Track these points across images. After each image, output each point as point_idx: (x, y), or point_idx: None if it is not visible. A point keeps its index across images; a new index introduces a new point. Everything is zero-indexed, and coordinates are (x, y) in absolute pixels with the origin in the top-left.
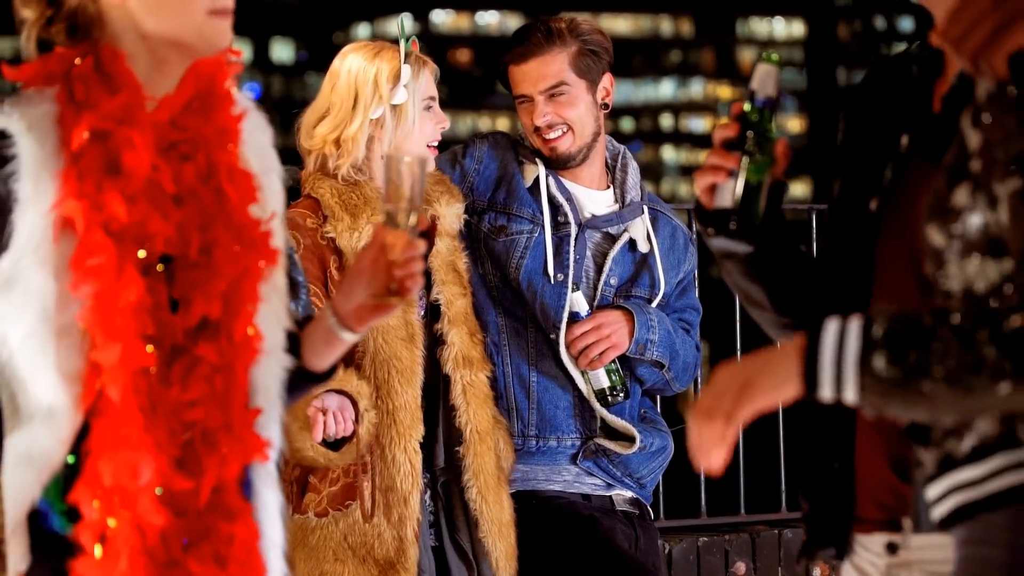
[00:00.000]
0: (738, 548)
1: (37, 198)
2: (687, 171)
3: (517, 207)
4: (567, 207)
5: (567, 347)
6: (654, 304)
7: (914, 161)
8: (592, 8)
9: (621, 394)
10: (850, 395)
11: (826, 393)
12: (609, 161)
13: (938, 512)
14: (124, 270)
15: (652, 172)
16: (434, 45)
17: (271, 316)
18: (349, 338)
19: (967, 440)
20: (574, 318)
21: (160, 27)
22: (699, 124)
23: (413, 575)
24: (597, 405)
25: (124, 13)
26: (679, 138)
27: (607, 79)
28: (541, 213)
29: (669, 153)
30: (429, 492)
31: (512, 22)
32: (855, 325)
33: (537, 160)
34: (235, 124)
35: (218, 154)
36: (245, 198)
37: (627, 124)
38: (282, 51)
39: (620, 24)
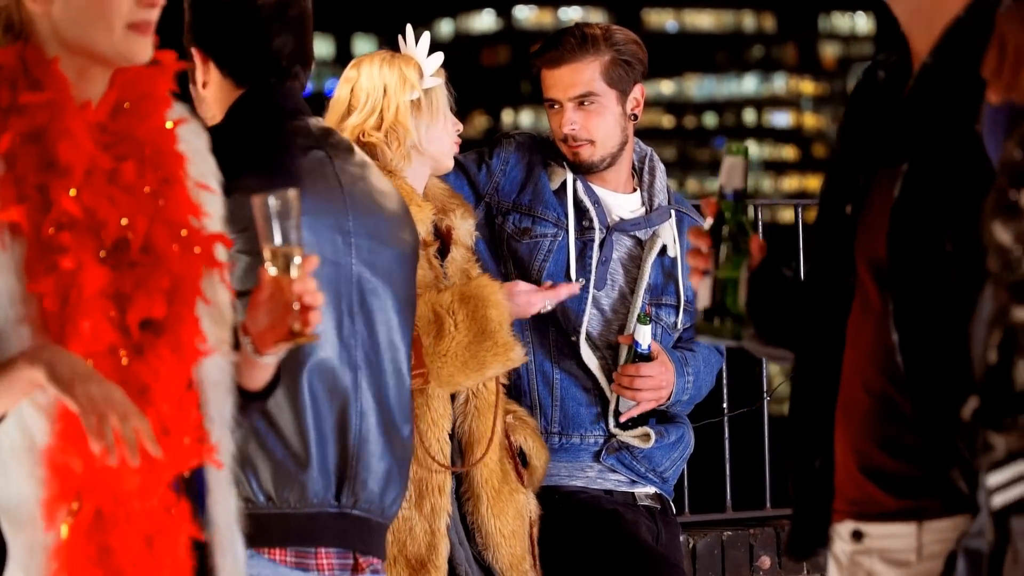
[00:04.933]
0: (763, 542)
1: None
2: (770, 166)
3: (542, 210)
4: (593, 211)
5: (621, 379)
6: (680, 308)
7: (878, 166)
8: (675, 4)
9: (636, 426)
10: None
11: None
12: (636, 164)
13: (1000, 499)
14: (83, 261)
15: None
16: (517, 41)
17: (214, 314)
18: (262, 360)
19: None
20: (634, 348)
21: (79, 38)
22: (782, 119)
23: (444, 574)
24: (611, 423)
25: (49, 22)
26: (762, 133)
27: (638, 90)
28: (565, 217)
29: (752, 148)
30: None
31: (594, 17)
32: None
33: (565, 163)
34: (172, 128)
35: (159, 158)
36: (185, 202)
37: (710, 119)
38: (364, 47)
39: (703, 19)
